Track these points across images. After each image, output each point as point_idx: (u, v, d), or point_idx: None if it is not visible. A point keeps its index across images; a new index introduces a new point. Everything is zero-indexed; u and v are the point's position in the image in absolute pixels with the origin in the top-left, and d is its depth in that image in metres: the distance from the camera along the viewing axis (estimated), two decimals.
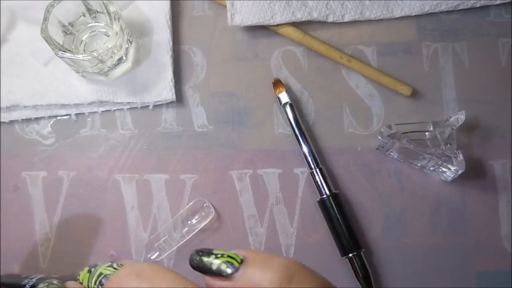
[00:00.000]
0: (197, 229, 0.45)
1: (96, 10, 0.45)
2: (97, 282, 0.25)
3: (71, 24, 0.45)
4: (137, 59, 0.47)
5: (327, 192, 0.44)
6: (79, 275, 0.26)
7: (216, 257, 0.23)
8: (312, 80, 0.49)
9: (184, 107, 0.48)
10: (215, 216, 0.46)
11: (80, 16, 0.45)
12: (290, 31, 0.48)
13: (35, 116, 0.47)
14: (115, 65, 0.45)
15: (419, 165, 0.46)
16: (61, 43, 0.44)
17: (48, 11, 0.42)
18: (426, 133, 0.46)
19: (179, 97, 0.48)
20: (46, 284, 0.25)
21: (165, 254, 0.45)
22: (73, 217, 0.46)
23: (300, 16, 0.48)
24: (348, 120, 0.48)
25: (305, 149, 0.45)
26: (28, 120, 0.48)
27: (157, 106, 0.48)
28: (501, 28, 0.50)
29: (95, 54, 0.42)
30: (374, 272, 0.45)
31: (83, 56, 0.42)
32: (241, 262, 0.22)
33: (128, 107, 0.48)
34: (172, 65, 0.47)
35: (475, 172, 0.47)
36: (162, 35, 0.48)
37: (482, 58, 0.49)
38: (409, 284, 0.45)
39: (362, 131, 0.48)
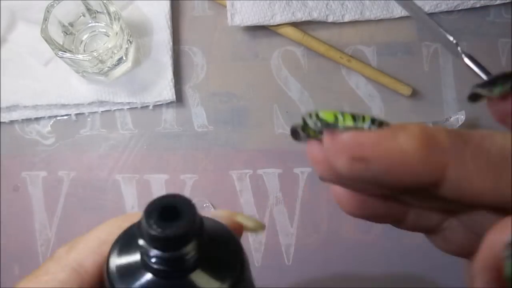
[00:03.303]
0: None
1: (96, 10, 0.45)
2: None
3: (71, 24, 0.45)
4: (137, 59, 0.47)
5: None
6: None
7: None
8: (312, 80, 0.49)
9: (184, 107, 0.48)
10: None
11: (80, 16, 0.45)
12: (290, 31, 0.48)
13: (35, 116, 0.47)
14: (115, 65, 0.45)
15: None
16: (61, 43, 0.44)
17: (48, 11, 0.42)
18: None
19: (179, 97, 0.48)
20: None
21: None
22: (73, 217, 0.46)
23: (300, 16, 0.48)
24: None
25: None
26: (28, 120, 0.48)
27: (157, 106, 0.48)
28: (501, 28, 0.50)
29: (95, 54, 0.42)
30: (374, 272, 0.45)
31: (83, 56, 0.42)
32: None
33: (128, 107, 0.48)
34: (172, 65, 0.47)
35: None
36: (162, 35, 0.48)
37: (482, 58, 0.49)
38: (410, 284, 0.45)
39: None
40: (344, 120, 0.16)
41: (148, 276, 0.20)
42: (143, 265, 0.20)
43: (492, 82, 0.15)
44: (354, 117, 0.16)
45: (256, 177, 0.47)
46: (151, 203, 0.19)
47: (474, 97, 0.16)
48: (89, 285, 0.24)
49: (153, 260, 0.19)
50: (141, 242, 0.19)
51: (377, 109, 0.48)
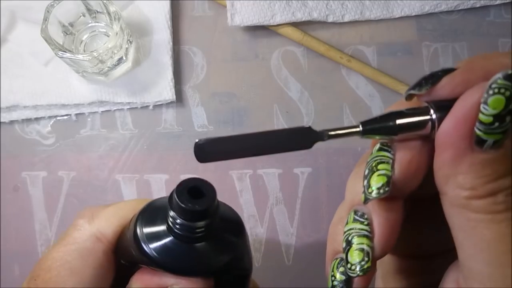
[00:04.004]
0: None
1: (96, 10, 0.45)
2: None
3: (71, 24, 0.45)
4: (137, 59, 0.47)
5: None
6: None
7: None
8: (312, 80, 0.49)
9: (184, 107, 0.48)
10: None
11: (80, 16, 0.45)
12: (290, 31, 0.48)
13: (35, 116, 0.47)
14: (115, 65, 0.45)
15: None
16: (61, 43, 0.44)
17: (48, 11, 0.42)
18: None
19: (179, 97, 0.48)
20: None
21: None
22: (73, 217, 0.46)
23: (300, 16, 0.48)
24: (348, 120, 0.48)
25: None
26: (28, 120, 0.48)
27: (157, 106, 0.48)
28: (501, 28, 0.50)
29: (95, 54, 0.42)
30: None
31: (83, 56, 0.42)
32: None
33: (128, 107, 0.48)
34: (172, 65, 0.47)
35: None
36: (162, 35, 0.48)
37: None
38: None
39: None
40: None
41: (172, 239, 0.25)
42: (169, 231, 0.25)
43: (419, 84, 0.20)
44: None
45: (256, 177, 0.47)
46: (181, 183, 0.24)
47: (409, 97, 0.21)
48: (110, 251, 0.28)
49: (178, 227, 0.24)
50: (171, 213, 0.24)
51: (377, 109, 0.48)
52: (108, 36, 0.46)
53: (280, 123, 0.48)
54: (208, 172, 0.47)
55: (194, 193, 0.24)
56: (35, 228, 0.46)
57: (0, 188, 0.47)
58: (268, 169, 0.47)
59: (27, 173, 0.47)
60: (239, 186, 0.47)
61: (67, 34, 0.45)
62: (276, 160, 0.47)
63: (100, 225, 0.29)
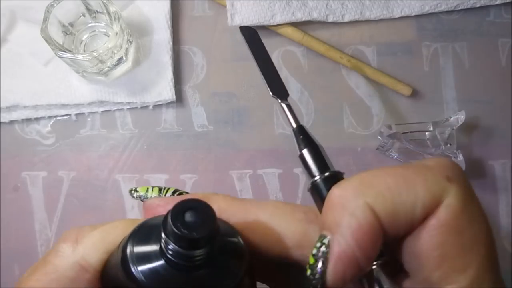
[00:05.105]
0: None
1: (96, 10, 0.45)
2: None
3: (71, 24, 0.45)
4: (137, 59, 0.47)
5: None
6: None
7: None
8: (312, 80, 0.49)
9: (184, 107, 0.48)
10: None
11: (80, 16, 0.45)
12: (290, 31, 0.48)
13: (35, 116, 0.47)
14: (115, 65, 0.45)
15: None
16: (61, 43, 0.44)
17: (48, 11, 0.42)
18: (426, 133, 0.46)
19: (179, 97, 0.48)
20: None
21: None
22: (73, 217, 0.46)
23: (300, 16, 0.48)
24: (348, 120, 0.48)
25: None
26: (28, 120, 0.48)
27: (157, 106, 0.48)
28: (501, 28, 0.50)
29: (95, 54, 0.42)
30: None
31: (83, 56, 0.42)
32: None
33: (128, 107, 0.48)
34: (172, 65, 0.47)
35: (475, 172, 0.47)
36: (162, 35, 0.48)
37: (482, 58, 0.49)
38: None
39: (362, 131, 0.48)
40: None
41: (164, 265, 0.23)
42: (161, 255, 0.23)
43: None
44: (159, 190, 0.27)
45: (256, 177, 0.47)
46: (177, 205, 0.22)
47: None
48: (96, 280, 0.25)
49: (171, 253, 0.22)
50: (164, 237, 0.22)
51: (377, 109, 0.48)
52: (108, 36, 0.46)
53: (280, 123, 0.48)
54: (208, 172, 0.47)
55: (191, 217, 0.22)
56: (35, 228, 0.46)
57: (0, 188, 0.47)
58: (268, 169, 0.47)
59: (27, 173, 0.47)
60: (239, 186, 0.47)
61: (67, 34, 0.45)
62: (276, 160, 0.47)
63: (85, 251, 0.26)
